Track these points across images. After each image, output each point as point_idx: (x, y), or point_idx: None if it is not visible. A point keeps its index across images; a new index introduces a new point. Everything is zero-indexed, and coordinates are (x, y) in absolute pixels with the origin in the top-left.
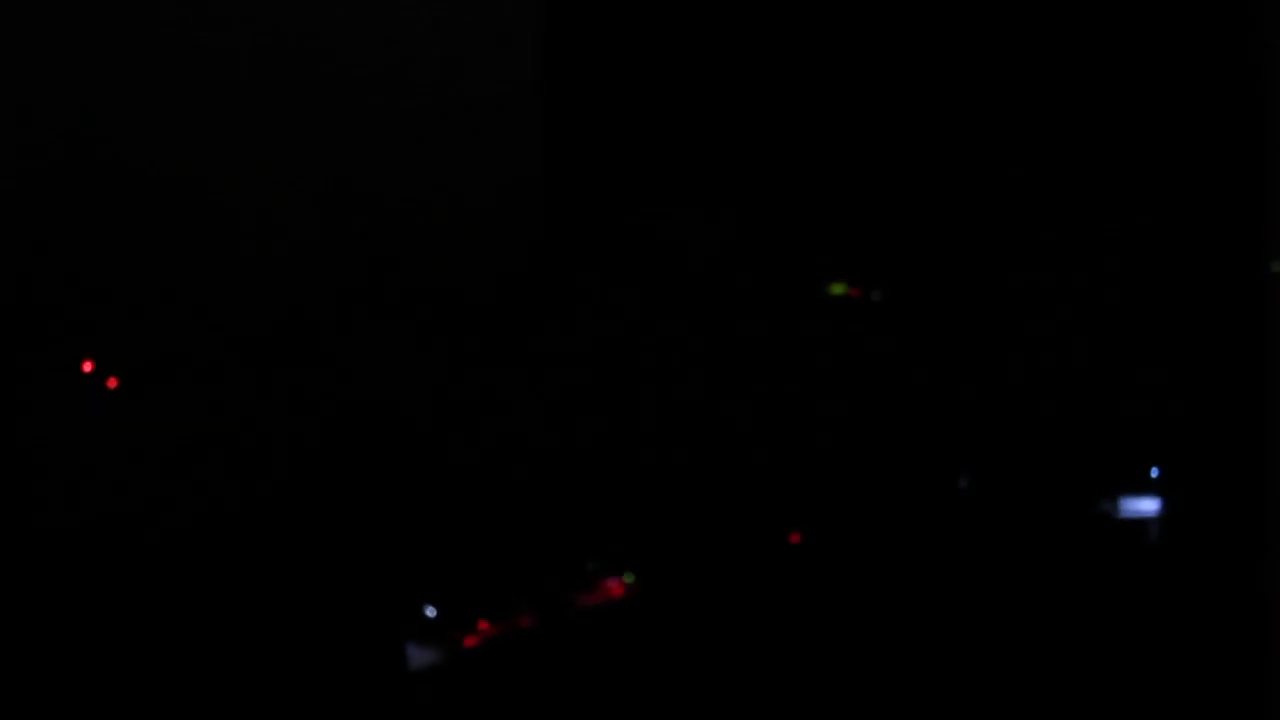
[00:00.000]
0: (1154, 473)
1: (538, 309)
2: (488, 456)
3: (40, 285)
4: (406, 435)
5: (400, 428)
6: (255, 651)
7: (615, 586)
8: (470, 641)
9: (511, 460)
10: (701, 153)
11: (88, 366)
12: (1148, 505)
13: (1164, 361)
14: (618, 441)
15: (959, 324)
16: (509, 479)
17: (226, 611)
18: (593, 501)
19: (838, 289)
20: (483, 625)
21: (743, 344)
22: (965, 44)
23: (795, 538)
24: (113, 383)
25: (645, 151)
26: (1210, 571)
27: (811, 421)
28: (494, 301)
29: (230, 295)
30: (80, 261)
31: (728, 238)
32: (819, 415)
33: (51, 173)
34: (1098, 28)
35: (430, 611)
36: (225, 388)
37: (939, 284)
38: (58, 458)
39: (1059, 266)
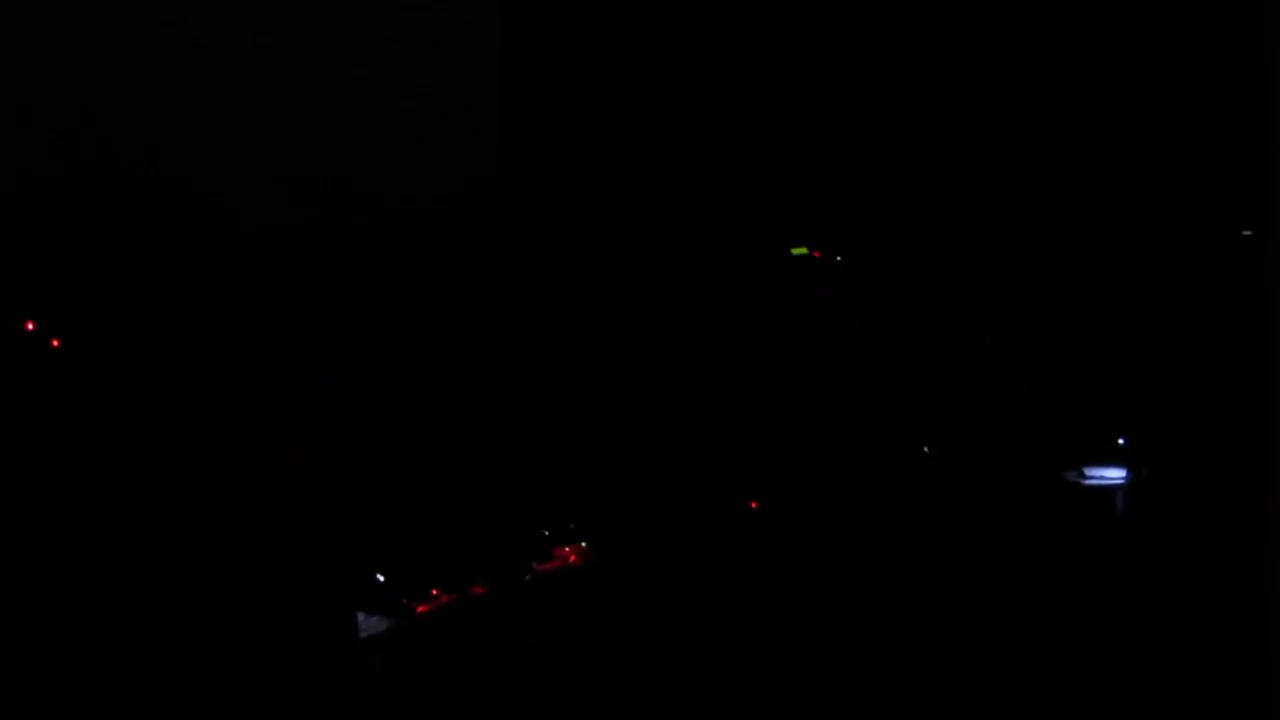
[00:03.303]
0: (1121, 441)
1: (535, 309)
2: (443, 420)
3: (40, 285)
4: (373, 401)
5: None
6: (203, 616)
7: (570, 553)
8: (423, 609)
9: (470, 424)
10: (696, 153)
11: (30, 326)
12: (1115, 474)
13: (1161, 361)
14: (582, 411)
15: (950, 317)
16: (464, 442)
17: (177, 577)
18: (551, 466)
19: (799, 251)
20: (435, 592)
21: (721, 325)
22: (964, 46)
23: (754, 504)
24: (55, 342)
25: (641, 151)
26: (1206, 563)
27: (775, 384)
28: (492, 300)
29: (229, 294)
30: (80, 261)
31: (716, 233)
32: (780, 374)
33: (51, 173)
34: (1098, 28)
35: (381, 578)
36: (216, 376)
37: (928, 268)
38: (57, 454)
39: (1056, 263)
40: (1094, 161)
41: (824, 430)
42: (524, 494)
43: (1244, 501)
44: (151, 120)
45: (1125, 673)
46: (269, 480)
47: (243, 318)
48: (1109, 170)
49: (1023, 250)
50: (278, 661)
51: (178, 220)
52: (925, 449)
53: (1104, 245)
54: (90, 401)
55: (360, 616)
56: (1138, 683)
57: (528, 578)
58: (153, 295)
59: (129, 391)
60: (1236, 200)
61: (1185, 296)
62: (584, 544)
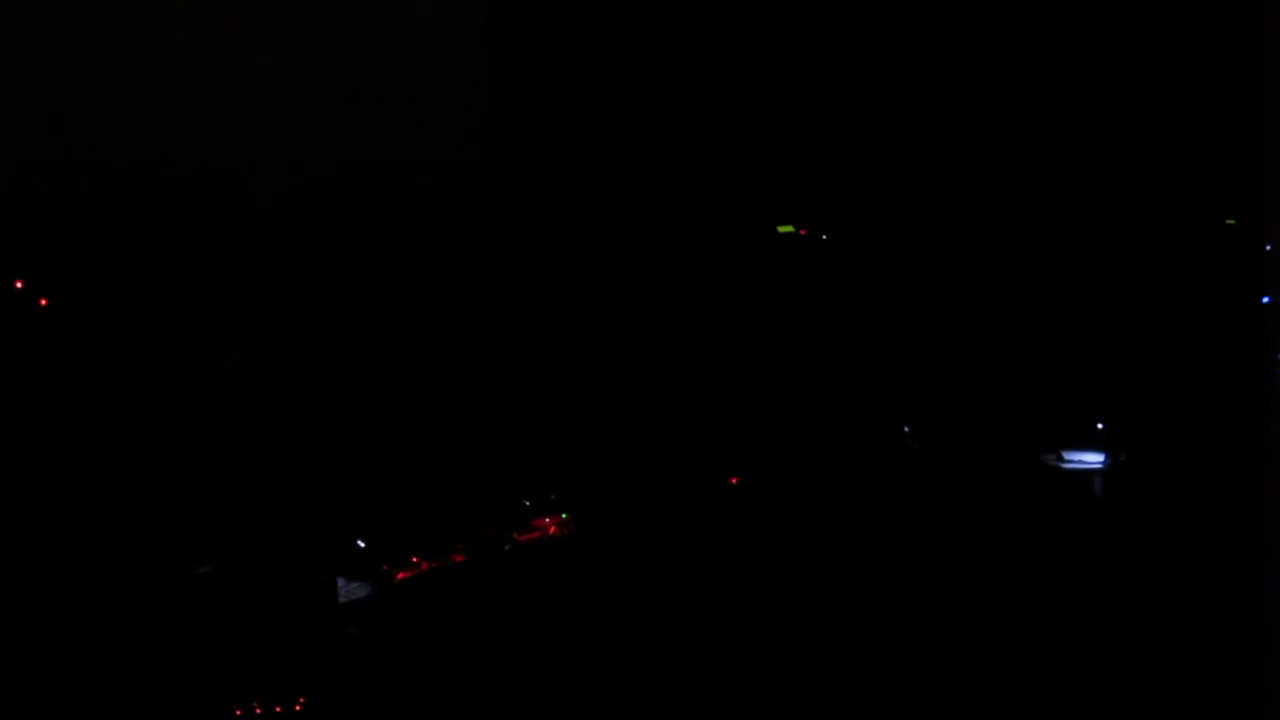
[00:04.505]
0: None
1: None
2: (427, 394)
3: (39, 282)
4: (348, 374)
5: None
6: (187, 583)
7: (550, 524)
8: (402, 576)
9: (450, 398)
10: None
11: (18, 284)
12: (1093, 458)
13: (1141, 349)
14: (560, 379)
15: (935, 302)
16: (445, 412)
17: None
18: (532, 439)
19: (785, 229)
20: (415, 559)
21: (689, 285)
22: (965, 41)
23: (734, 480)
24: (43, 301)
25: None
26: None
27: (758, 366)
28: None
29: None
30: (77, 256)
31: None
32: (765, 358)
33: (49, 170)
34: (1097, 27)
35: (361, 545)
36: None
37: (917, 254)
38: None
39: (1041, 252)
40: (1086, 155)
41: (807, 410)
42: (506, 465)
43: (1222, 488)
44: (148, 117)
45: (1103, 653)
46: (254, 454)
47: (236, 309)
48: (1103, 165)
49: (1010, 240)
50: (258, 626)
51: (175, 216)
52: (906, 429)
53: (1088, 235)
54: (88, 388)
55: (341, 582)
56: (1116, 664)
57: (507, 547)
58: (150, 287)
59: (124, 375)
60: (1225, 193)
61: (1169, 287)
62: (565, 515)
